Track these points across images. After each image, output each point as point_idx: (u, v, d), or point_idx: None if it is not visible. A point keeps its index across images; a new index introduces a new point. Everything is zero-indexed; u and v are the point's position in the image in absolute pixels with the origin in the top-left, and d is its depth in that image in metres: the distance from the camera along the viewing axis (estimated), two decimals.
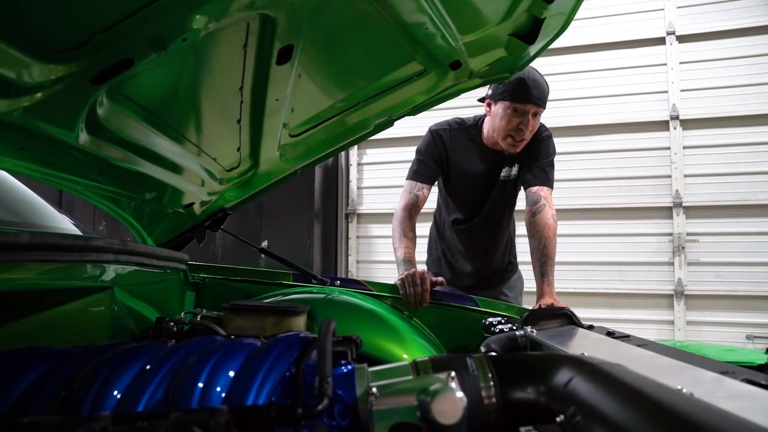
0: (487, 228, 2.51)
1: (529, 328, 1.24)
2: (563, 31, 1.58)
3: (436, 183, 2.51)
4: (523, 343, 1.20)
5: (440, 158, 2.40)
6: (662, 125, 5.01)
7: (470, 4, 1.35)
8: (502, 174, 2.39)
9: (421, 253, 2.81)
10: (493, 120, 2.25)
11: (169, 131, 1.30)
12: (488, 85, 2.11)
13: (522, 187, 2.39)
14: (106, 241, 1.22)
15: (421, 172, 2.38)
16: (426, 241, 2.82)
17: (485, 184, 2.43)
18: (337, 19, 1.19)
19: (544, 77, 2.19)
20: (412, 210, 2.31)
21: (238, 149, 1.55)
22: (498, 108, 2.22)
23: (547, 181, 2.28)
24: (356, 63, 1.44)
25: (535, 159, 2.30)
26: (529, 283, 2.30)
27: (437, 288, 1.82)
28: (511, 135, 2.21)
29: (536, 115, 2.18)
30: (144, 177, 1.39)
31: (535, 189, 2.26)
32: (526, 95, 2.13)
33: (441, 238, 2.70)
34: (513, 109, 2.17)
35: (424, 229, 2.76)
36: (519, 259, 2.72)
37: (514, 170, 2.38)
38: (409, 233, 2.23)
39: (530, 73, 2.12)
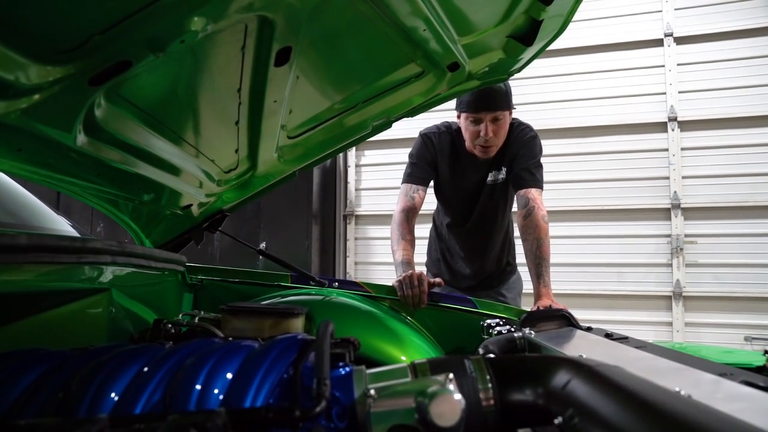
0: (480, 231, 2.53)
1: (527, 330, 1.24)
2: (561, 33, 1.59)
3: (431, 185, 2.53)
4: (522, 345, 1.20)
5: (432, 160, 2.44)
6: (660, 127, 5.02)
7: (468, 6, 1.35)
8: (489, 178, 2.41)
9: (421, 255, 2.83)
10: (462, 131, 2.34)
11: (167, 133, 1.30)
12: None
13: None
14: (103, 243, 1.22)
15: (415, 174, 2.41)
16: (425, 242, 2.84)
17: (473, 189, 2.45)
18: (335, 20, 1.19)
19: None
20: (410, 213, 2.33)
21: (236, 151, 1.55)
22: (461, 120, 2.32)
23: (536, 182, 2.29)
24: (354, 65, 1.44)
25: (522, 161, 2.32)
26: (529, 284, 2.30)
27: (436, 290, 1.82)
28: (479, 144, 2.27)
29: (496, 120, 2.21)
30: (142, 179, 1.39)
31: (523, 192, 2.27)
32: (477, 104, 2.19)
33: (440, 239, 2.72)
34: (471, 120, 2.25)
35: (424, 230, 2.77)
36: (518, 260, 2.72)
37: (502, 174, 2.39)
38: (407, 235, 2.23)
39: None
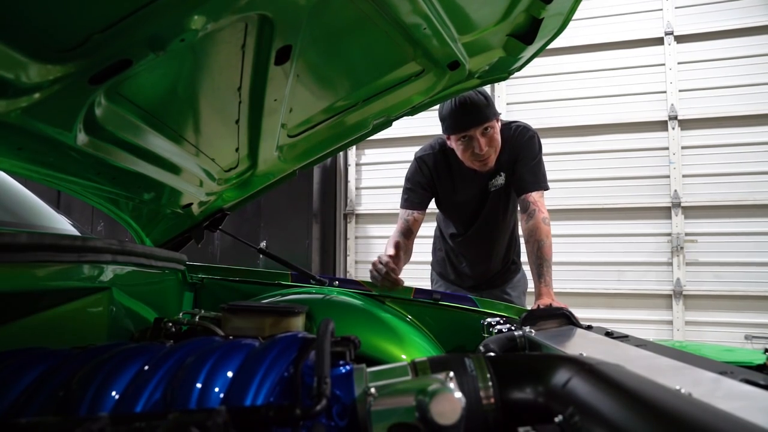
0: (484, 237, 2.53)
1: (527, 329, 1.24)
2: (561, 32, 1.58)
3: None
4: (522, 344, 1.20)
5: (428, 184, 2.44)
6: (661, 125, 5.02)
7: (468, 5, 1.35)
8: (490, 186, 2.40)
9: (426, 254, 2.85)
10: (457, 152, 2.30)
11: (168, 132, 1.30)
12: None
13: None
14: (104, 242, 1.22)
15: (410, 200, 2.43)
16: (430, 241, 2.87)
17: (476, 200, 2.45)
18: (335, 19, 1.19)
19: (479, 92, 2.15)
20: (406, 233, 2.36)
21: (237, 150, 1.55)
22: (452, 142, 2.29)
23: (536, 184, 2.28)
24: (354, 63, 1.44)
25: (523, 163, 2.30)
26: (532, 283, 2.30)
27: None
28: (476, 161, 2.25)
29: (486, 130, 2.18)
30: (142, 177, 1.39)
31: (524, 195, 2.27)
32: (462, 123, 2.17)
33: (443, 239, 2.72)
34: (461, 139, 2.22)
35: (428, 229, 2.78)
36: (522, 258, 2.72)
37: (502, 178, 2.37)
38: (397, 246, 2.25)
39: (459, 97, 2.11)
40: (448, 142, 2.33)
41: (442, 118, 2.22)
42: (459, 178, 2.41)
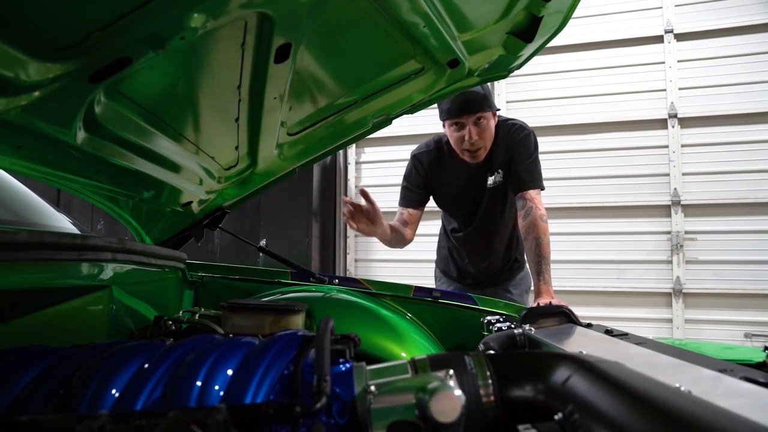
0: (484, 233, 2.54)
1: (527, 327, 1.24)
2: (561, 29, 1.58)
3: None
4: (522, 342, 1.20)
5: (423, 182, 2.49)
6: (660, 123, 5.01)
7: (468, 3, 1.35)
8: (489, 182, 2.42)
9: (429, 252, 2.86)
10: (449, 140, 2.36)
11: (168, 130, 1.30)
12: None
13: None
14: (104, 240, 1.22)
15: (407, 198, 2.50)
16: (435, 239, 2.90)
17: (473, 196, 2.47)
18: (335, 17, 1.19)
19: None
20: (400, 223, 2.46)
21: (236, 148, 1.55)
22: (446, 128, 2.34)
23: (533, 182, 2.30)
24: (354, 61, 1.44)
25: (519, 162, 2.32)
26: None
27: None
28: (465, 149, 2.28)
29: (479, 121, 2.22)
30: (142, 176, 1.39)
31: (520, 193, 2.28)
32: (457, 108, 2.21)
33: (447, 236, 2.74)
34: (453, 125, 2.26)
35: (433, 227, 2.79)
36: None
37: (500, 176, 2.39)
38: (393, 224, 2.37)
39: None
40: (443, 129, 2.37)
41: (439, 104, 2.24)
42: (454, 172, 2.44)
